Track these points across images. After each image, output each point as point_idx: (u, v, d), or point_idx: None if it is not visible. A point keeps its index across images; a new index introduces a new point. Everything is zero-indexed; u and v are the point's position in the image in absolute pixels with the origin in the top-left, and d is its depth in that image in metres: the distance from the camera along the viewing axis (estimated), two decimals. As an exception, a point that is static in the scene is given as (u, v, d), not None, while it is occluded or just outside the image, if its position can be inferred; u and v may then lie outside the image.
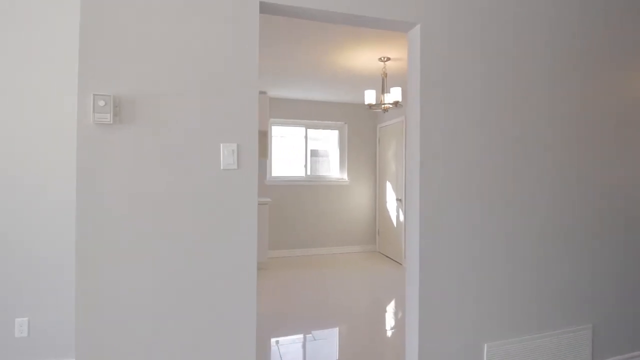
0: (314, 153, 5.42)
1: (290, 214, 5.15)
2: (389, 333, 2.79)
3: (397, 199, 4.80)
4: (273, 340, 2.67)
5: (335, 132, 5.49)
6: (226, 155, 1.46)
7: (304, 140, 5.31)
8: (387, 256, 5.19)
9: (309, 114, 5.24)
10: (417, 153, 1.78)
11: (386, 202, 5.19)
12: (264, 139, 4.97)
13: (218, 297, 1.47)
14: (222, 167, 1.47)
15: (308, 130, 5.34)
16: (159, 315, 1.41)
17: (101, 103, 1.33)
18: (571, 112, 1.99)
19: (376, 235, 5.52)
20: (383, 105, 3.41)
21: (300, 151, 5.32)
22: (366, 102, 3.40)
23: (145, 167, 1.40)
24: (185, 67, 1.44)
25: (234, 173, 1.49)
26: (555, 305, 1.97)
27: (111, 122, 1.35)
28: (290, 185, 5.15)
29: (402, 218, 4.71)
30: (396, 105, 3.30)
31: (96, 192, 1.35)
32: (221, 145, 1.47)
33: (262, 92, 4.75)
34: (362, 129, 5.48)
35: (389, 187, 5.11)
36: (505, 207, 1.86)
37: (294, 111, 5.17)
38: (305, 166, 5.30)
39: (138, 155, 1.40)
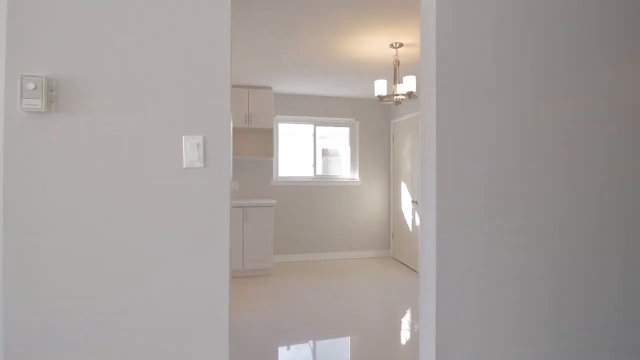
0: (324, 152, 5.11)
1: (297, 216, 4.86)
2: (403, 347, 2.45)
3: (413, 201, 4.42)
4: (279, 348, 2.38)
5: (346, 130, 5.16)
6: (189, 150, 1.17)
7: (312, 138, 5.01)
8: (402, 262, 4.82)
9: (317, 110, 4.93)
10: (432, 147, 1.44)
11: (401, 204, 4.82)
12: (269, 136, 4.70)
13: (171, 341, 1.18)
14: (184, 166, 1.18)
15: (317, 127, 5.04)
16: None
17: (30, 86, 1.07)
18: (625, 105, 1.60)
19: (390, 240, 5.16)
20: (395, 97, 3.06)
21: (308, 150, 5.02)
22: (376, 94, 3.07)
23: (86, 166, 1.13)
24: (140, 45, 1.16)
25: (200, 173, 1.20)
26: (602, 332, 1.59)
27: (43, 109, 1.08)
28: (297, 186, 4.86)
29: (418, 222, 4.34)
30: (410, 97, 2.95)
31: (24, 194, 1.09)
32: (183, 138, 1.18)
33: (265, 88, 4.48)
34: (374, 125, 5.14)
35: (403, 187, 4.75)
36: (540, 213, 1.50)
37: (301, 107, 4.88)
38: (314, 166, 5.00)
39: (77, 151, 1.12)
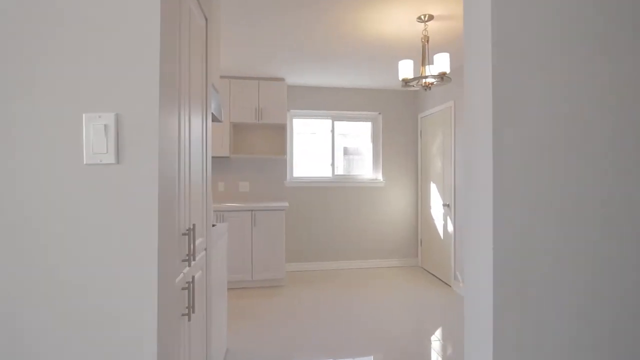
0: (345, 151, 4.63)
1: (313, 220, 4.41)
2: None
3: (445, 205, 3.85)
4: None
5: (368, 125, 4.65)
6: (93, 136, 0.75)
7: (330, 134, 4.55)
8: (431, 273, 4.25)
9: (335, 103, 4.46)
10: (488, 140, 0.95)
11: (430, 207, 4.25)
12: (281, 133, 4.28)
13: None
14: (85, 161, 0.76)
15: (335, 122, 4.57)
16: None
17: None
18: None
19: (418, 247, 4.60)
20: (424, 81, 2.54)
21: (326, 147, 4.56)
22: (400, 77, 2.56)
23: None
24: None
25: (110, 171, 0.77)
26: None
27: None
28: (314, 187, 4.41)
29: (450, 228, 3.76)
30: (442, 79, 2.42)
31: None
32: (84, 117, 0.76)
33: (278, 79, 4.06)
34: (399, 119, 4.59)
35: (433, 189, 4.17)
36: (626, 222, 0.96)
37: (317, 101, 4.43)
38: (332, 165, 4.53)
39: None
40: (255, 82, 3.95)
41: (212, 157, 4.15)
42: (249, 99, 3.94)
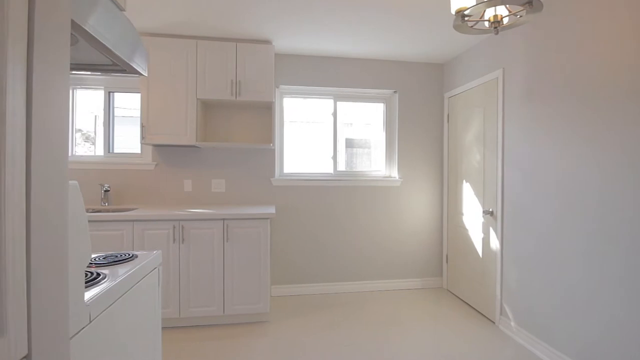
0: (349, 143, 3.62)
1: (309, 229, 3.41)
2: None
3: (486, 212, 2.85)
4: None
5: (379, 107, 3.64)
6: None
7: (331, 118, 3.53)
8: (459, 297, 3.26)
9: (339, 78, 3.44)
10: None
11: (461, 213, 3.26)
12: (267, 114, 3.27)
13: None
14: None
15: (338, 103, 3.55)
16: None
17: None
18: None
19: (443, 265, 3.61)
20: (494, 20, 1.53)
21: (326, 135, 3.54)
22: (453, 10, 1.54)
23: None
24: None
25: None
26: None
27: None
28: (310, 187, 3.40)
29: (494, 244, 2.77)
30: (530, 5, 1.41)
31: None
32: None
33: (263, 42, 3.03)
34: (421, 100, 3.58)
35: (467, 191, 3.18)
36: None
37: (315, 74, 3.41)
38: (334, 158, 3.52)
39: None
40: (231, 44, 2.92)
41: (173, 147, 3.13)
42: (223, 67, 2.91)
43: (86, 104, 3.20)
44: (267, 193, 3.33)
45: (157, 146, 3.12)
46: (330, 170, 3.52)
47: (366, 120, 3.64)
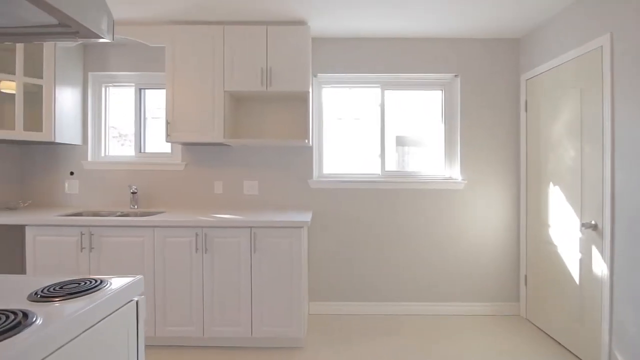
0: (399, 141, 3.09)
1: (352, 238, 2.94)
2: None
3: (586, 225, 2.15)
4: None
5: (437, 95, 3.05)
6: None
7: (378, 109, 3.03)
8: (546, 333, 2.56)
9: (387, 62, 2.93)
10: None
11: (547, 225, 2.56)
12: (302, 107, 2.87)
13: None
14: None
15: (386, 92, 3.03)
16: None
17: None
18: None
19: (521, 288, 2.91)
20: None
21: (371, 129, 3.05)
22: None
23: None
24: None
25: None
26: None
27: None
28: (353, 190, 2.93)
29: (602, 269, 2.06)
30: None
31: None
32: None
33: (297, 23, 2.64)
34: (489, 84, 2.93)
35: (556, 196, 2.48)
36: None
37: (359, 59, 2.93)
38: (382, 156, 3.01)
39: None
40: (261, 28, 2.57)
41: (202, 145, 2.86)
42: (252, 55, 2.57)
43: (122, 101, 3.07)
44: (304, 196, 2.92)
45: (186, 145, 2.88)
46: (377, 170, 3.02)
47: (420, 111, 3.07)
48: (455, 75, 2.94)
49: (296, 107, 2.90)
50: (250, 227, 2.30)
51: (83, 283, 1.05)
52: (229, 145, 2.90)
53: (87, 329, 0.89)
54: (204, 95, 2.58)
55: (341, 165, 3.05)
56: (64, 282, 1.05)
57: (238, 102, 2.89)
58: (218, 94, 2.58)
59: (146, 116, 3.07)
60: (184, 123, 2.59)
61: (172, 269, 2.31)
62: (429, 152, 3.08)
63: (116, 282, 1.07)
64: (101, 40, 0.96)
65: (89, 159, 2.96)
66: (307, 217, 2.43)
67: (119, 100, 3.07)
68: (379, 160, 3.01)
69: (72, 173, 2.95)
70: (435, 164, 3.05)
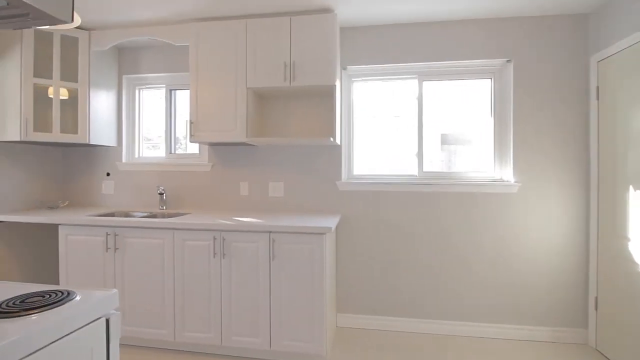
0: (444, 139, 2.76)
1: (384, 246, 2.66)
2: None
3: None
4: None
5: (485, 84, 2.67)
6: None
7: (416, 103, 2.72)
8: (627, 374, 2.08)
9: (425, 50, 2.62)
10: None
11: (626, 238, 2.08)
12: (327, 102, 2.66)
13: None
14: None
15: (424, 83, 2.72)
16: None
17: None
18: None
19: (589, 312, 2.42)
20: None
21: (408, 125, 2.75)
22: None
23: None
24: None
25: None
26: None
27: None
28: (386, 193, 2.66)
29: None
30: None
31: None
32: None
33: (322, 11, 2.43)
34: (549, 69, 2.48)
35: (638, 203, 2.00)
36: None
37: (394, 48, 2.65)
38: (419, 155, 2.70)
39: None
40: (284, 20, 2.41)
41: (226, 145, 2.77)
42: (275, 49, 2.42)
43: (154, 104, 3.11)
44: (333, 199, 2.71)
45: (210, 145, 2.82)
46: (414, 171, 2.71)
47: (464, 104, 2.71)
48: (508, 61, 2.54)
49: (323, 103, 2.70)
50: (269, 232, 2.15)
51: (48, 296, 0.95)
52: (254, 145, 2.79)
53: (32, 353, 0.77)
54: (226, 93, 2.49)
55: (373, 165, 2.79)
56: (30, 294, 0.96)
57: (262, 100, 2.77)
58: (240, 91, 2.47)
59: (177, 117, 3.07)
60: (207, 123, 2.52)
61: (191, 272, 2.23)
62: (475, 151, 2.70)
63: (86, 297, 0.96)
64: (59, 25, 0.84)
65: (123, 160, 3.02)
66: (332, 222, 2.22)
67: (151, 101, 3.11)
68: (416, 160, 2.70)
69: (108, 174, 3.04)
70: (482, 164, 2.67)
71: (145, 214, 2.74)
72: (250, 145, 2.77)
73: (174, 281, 2.25)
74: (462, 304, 2.57)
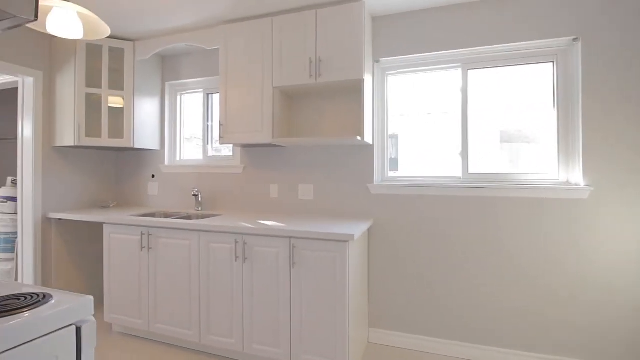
0: (508, 136, 2.40)
1: (425, 257, 2.39)
2: None
3: None
4: None
5: (545, 69, 2.25)
6: None
7: (460, 95, 2.41)
8: None
9: (470, 34, 2.30)
10: None
11: None
12: (355, 98, 2.48)
13: None
14: None
15: (470, 72, 2.39)
16: None
17: None
18: None
19: (691, 351, 1.89)
20: None
21: (452, 123, 2.45)
22: None
23: None
24: None
25: None
26: None
27: None
28: (424, 197, 2.39)
29: None
30: None
31: None
32: None
33: (348, 0, 2.27)
34: (629, 47, 2.00)
35: None
36: None
37: (433, 34, 2.38)
38: (464, 154, 2.38)
39: None
40: (310, 14, 2.29)
41: (256, 147, 2.73)
42: (301, 45, 2.32)
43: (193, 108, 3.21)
44: (364, 203, 2.52)
45: (240, 146, 2.81)
46: (458, 172, 2.40)
47: (518, 94, 2.32)
48: (574, 39, 2.11)
49: (354, 100, 2.52)
50: (290, 237, 2.04)
51: (24, 298, 0.94)
52: (284, 147, 2.72)
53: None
54: (253, 94, 2.45)
55: (410, 167, 2.53)
56: (9, 296, 0.96)
57: (291, 100, 2.68)
58: (267, 91, 2.41)
59: (213, 120, 3.13)
60: (236, 124, 2.50)
61: (215, 275, 2.22)
62: (532, 147, 2.30)
63: (58, 302, 0.93)
64: (18, 22, 0.82)
65: (166, 163, 3.17)
66: (358, 229, 2.04)
67: (191, 105, 3.22)
68: (460, 159, 2.39)
69: (153, 176, 3.21)
70: (541, 163, 2.26)
71: (182, 215, 2.82)
72: (280, 146, 2.70)
73: (200, 283, 2.26)
74: (518, 329, 2.19)
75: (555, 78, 2.20)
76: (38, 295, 0.96)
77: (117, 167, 3.35)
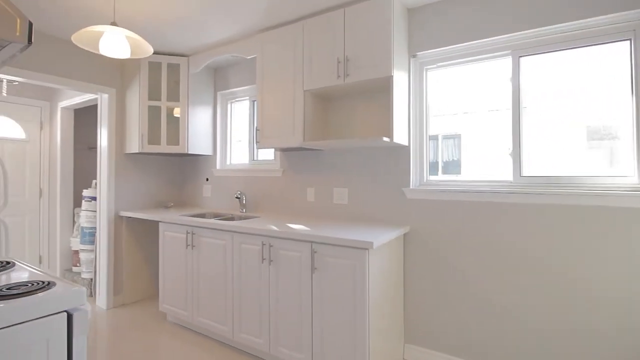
0: (573, 132, 2.03)
1: (470, 270, 2.13)
2: None
3: None
4: None
5: (619, 50, 1.82)
6: None
7: (509, 85, 2.10)
8: None
9: (521, 14, 1.99)
10: None
11: None
12: (385, 98, 2.33)
13: None
14: None
15: (522, 60, 2.07)
16: None
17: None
18: None
19: None
20: None
21: (503, 119, 2.14)
22: None
23: None
24: None
25: None
26: None
27: None
28: (466, 203, 2.13)
29: None
30: None
31: None
32: None
33: (382, -5, 2.14)
34: None
35: None
36: None
37: (477, 20, 2.12)
38: (516, 154, 2.06)
39: None
40: (338, 13, 2.24)
41: (294, 151, 2.76)
42: (329, 46, 2.28)
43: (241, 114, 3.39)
44: (400, 208, 2.35)
45: (281, 150, 2.86)
46: (508, 176, 2.09)
47: (581, 81, 1.92)
48: (661, 9, 1.68)
49: (385, 99, 2.38)
50: (311, 242, 2.00)
51: (31, 285, 1.08)
52: (320, 150, 2.69)
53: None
54: (286, 98, 2.48)
55: (453, 169, 2.29)
56: (25, 282, 1.11)
57: (324, 102, 2.64)
58: (298, 95, 2.42)
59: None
60: (271, 128, 2.57)
61: (247, 275, 2.29)
62: (603, 144, 1.88)
63: (56, 290, 1.05)
64: (13, 45, 0.95)
65: (217, 167, 3.40)
66: (383, 236, 1.91)
67: (240, 112, 3.40)
68: (510, 160, 2.08)
69: (207, 179, 3.47)
70: (616, 164, 1.84)
71: (227, 216, 2.98)
72: (316, 150, 2.68)
73: (233, 282, 2.36)
74: (583, 348, 1.81)
75: (633, 59, 1.78)
76: (44, 283, 1.09)
77: (179, 171, 3.71)
